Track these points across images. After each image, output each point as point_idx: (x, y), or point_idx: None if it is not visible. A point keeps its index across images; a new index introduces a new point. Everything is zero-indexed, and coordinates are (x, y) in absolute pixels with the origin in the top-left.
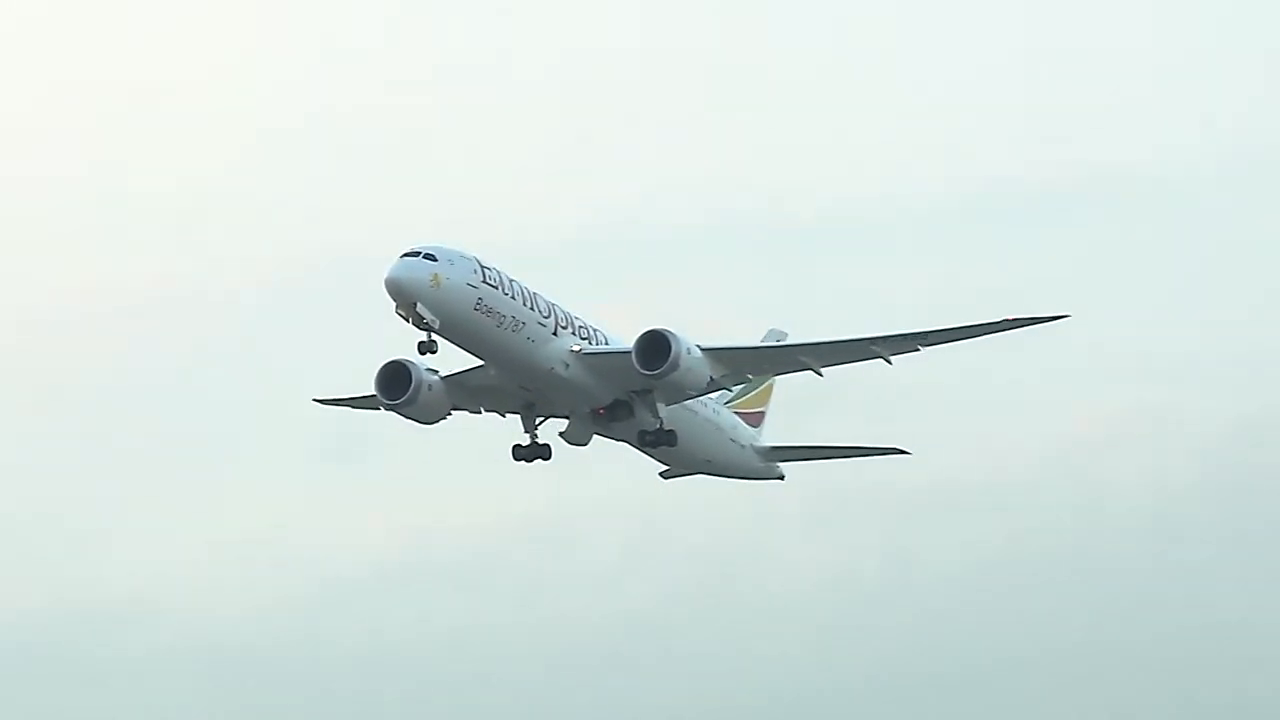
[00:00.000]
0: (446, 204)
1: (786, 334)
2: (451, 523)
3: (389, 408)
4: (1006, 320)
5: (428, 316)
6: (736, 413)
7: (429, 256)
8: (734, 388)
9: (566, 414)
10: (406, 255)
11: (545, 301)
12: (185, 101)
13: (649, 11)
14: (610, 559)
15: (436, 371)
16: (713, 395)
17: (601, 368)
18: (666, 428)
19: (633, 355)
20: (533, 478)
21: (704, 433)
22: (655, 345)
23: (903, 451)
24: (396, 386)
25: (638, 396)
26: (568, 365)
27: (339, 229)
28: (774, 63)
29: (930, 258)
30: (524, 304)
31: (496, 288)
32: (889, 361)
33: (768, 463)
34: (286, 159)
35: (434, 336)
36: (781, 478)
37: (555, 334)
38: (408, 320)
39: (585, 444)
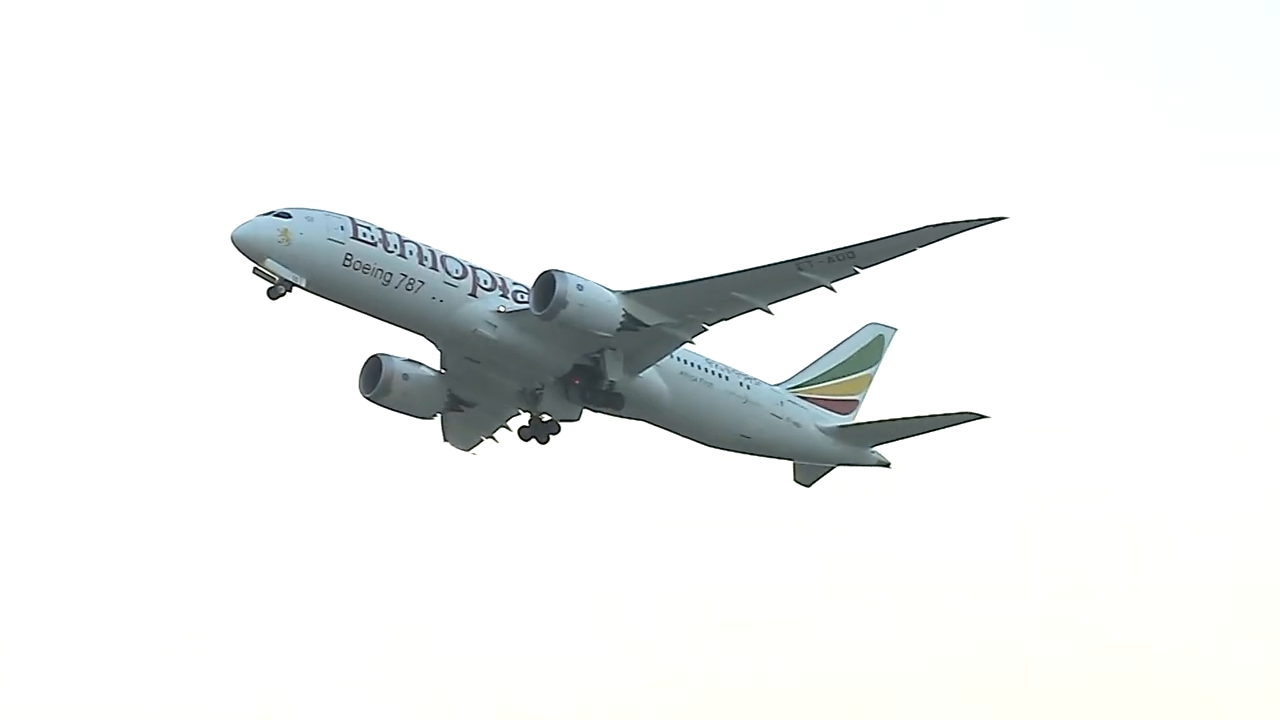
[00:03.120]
0: None
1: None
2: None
3: (368, 401)
4: (940, 225)
5: (284, 273)
6: (822, 398)
7: (283, 215)
8: (692, 338)
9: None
10: (262, 215)
11: (461, 263)
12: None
13: None
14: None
15: (420, 364)
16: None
17: (532, 326)
18: (615, 390)
19: (530, 301)
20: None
21: (728, 405)
22: (545, 286)
23: (980, 416)
24: (372, 380)
25: (602, 359)
26: (494, 326)
27: None
28: None
29: None
30: (420, 262)
31: (375, 244)
32: (832, 289)
33: (849, 446)
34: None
35: (298, 290)
36: (886, 464)
37: (474, 294)
38: (265, 279)
39: (573, 419)
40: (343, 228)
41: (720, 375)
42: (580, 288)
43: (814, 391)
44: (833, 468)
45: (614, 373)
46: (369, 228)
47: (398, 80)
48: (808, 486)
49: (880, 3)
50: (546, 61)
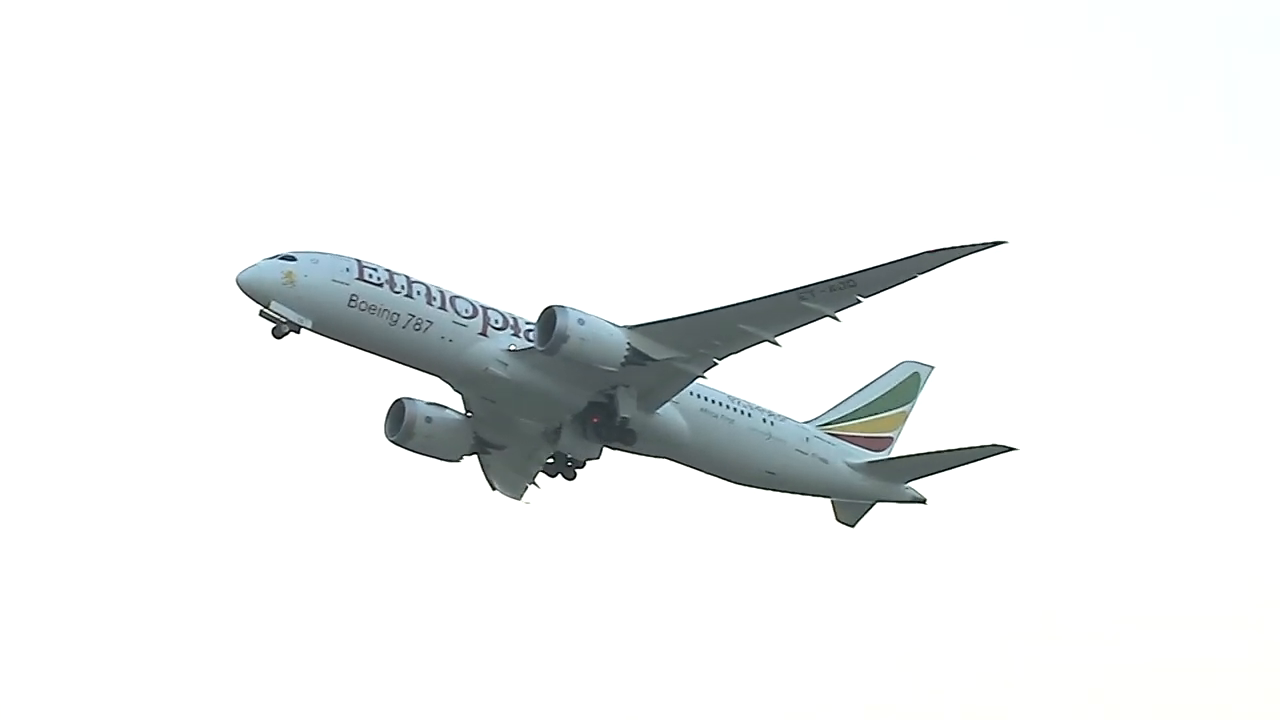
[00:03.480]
0: None
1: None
2: None
3: (393, 444)
4: (938, 250)
5: (289, 315)
6: (855, 435)
7: (288, 258)
8: (704, 373)
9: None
10: (268, 259)
11: (471, 303)
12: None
13: None
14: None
15: (445, 407)
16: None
17: (542, 364)
18: (628, 426)
19: (535, 337)
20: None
21: (750, 442)
22: (547, 321)
23: (1008, 449)
24: (396, 424)
25: (615, 396)
26: (505, 364)
27: None
28: None
29: None
30: (429, 302)
31: (381, 285)
32: (837, 319)
33: (881, 482)
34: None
35: (304, 331)
36: (922, 501)
37: (484, 333)
38: (271, 321)
39: (594, 456)
40: (348, 269)
41: (742, 412)
42: (582, 322)
43: (846, 429)
44: (872, 505)
45: (628, 409)
46: (375, 269)
47: (408, 118)
48: (852, 526)
49: (878, 24)
50: (547, 94)
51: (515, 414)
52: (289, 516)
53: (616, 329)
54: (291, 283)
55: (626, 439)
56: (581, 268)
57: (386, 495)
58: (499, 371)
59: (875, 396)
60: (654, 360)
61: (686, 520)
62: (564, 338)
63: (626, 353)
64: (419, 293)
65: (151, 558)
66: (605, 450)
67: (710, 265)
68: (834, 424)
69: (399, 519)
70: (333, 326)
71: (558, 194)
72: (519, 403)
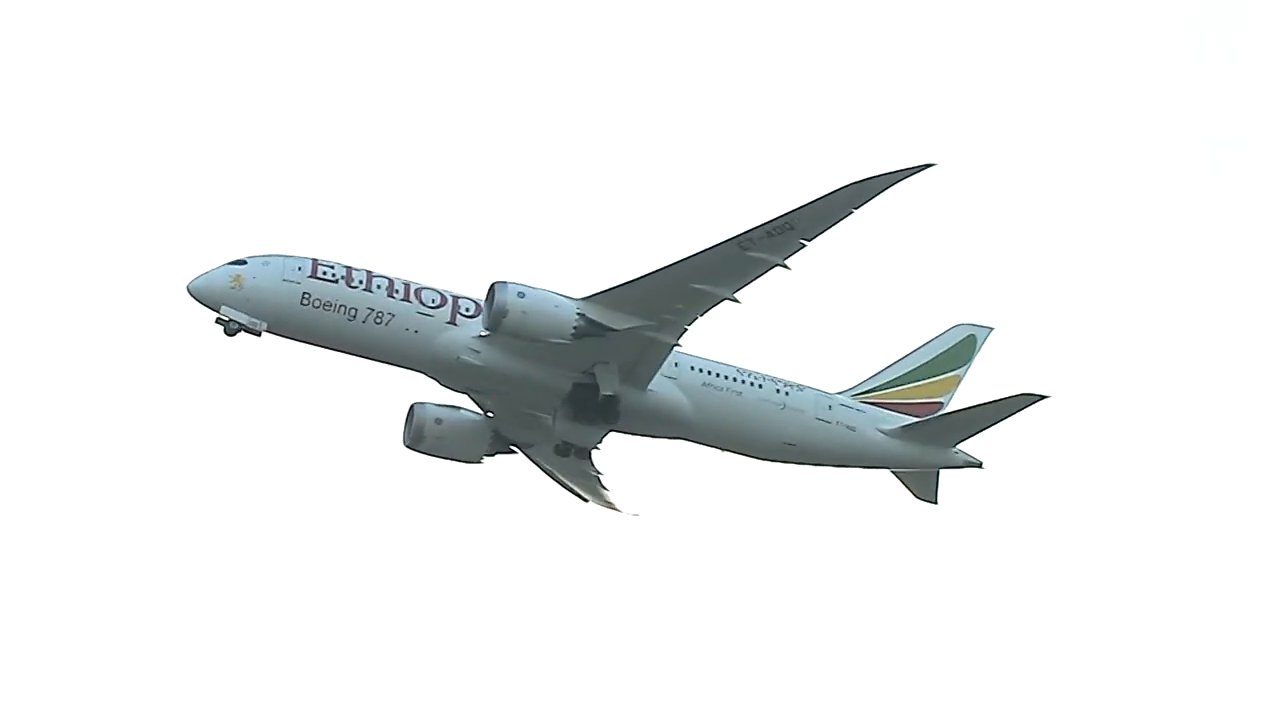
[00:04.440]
0: None
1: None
2: None
3: (410, 450)
4: (866, 180)
5: (241, 319)
6: (900, 402)
7: (239, 263)
8: (677, 340)
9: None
10: (219, 266)
11: (440, 292)
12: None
13: None
14: None
15: (458, 408)
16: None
17: (515, 348)
18: (615, 405)
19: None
20: None
21: (763, 414)
22: (489, 298)
23: (1041, 396)
24: (408, 429)
25: (595, 374)
26: (477, 351)
27: None
28: None
29: None
30: (390, 295)
31: (336, 281)
32: (786, 267)
33: (922, 446)
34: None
35: (261, 332)
36: (978, 464)
37: (454, 322)
38: (226, 327)
39: (594, 443)
40: (300, 268)
41: (752, 384)
42: (522, 295)
43: (890, 395)
44: (936, 474)
45: (609, 386)
46: (332, 266)
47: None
48: (933, 502)
49: None
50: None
51: (510, 405)
52: (311, 528)
53: (565, 300)
54: (239, 286)
55: (612, 418)
56: (577, 247)
57: (403, 501)
58: (472, 360)
59: (925, 360)
60: (615, 330)
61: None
62: (503, 312)
63: (577, 323)
64: (379, 286)
65: (174, 570)
66: (606, 436)
67: (663, 232)
68: (877, 390)
69: (420, 524)
70: (288, 326)
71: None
72: (506, 391)
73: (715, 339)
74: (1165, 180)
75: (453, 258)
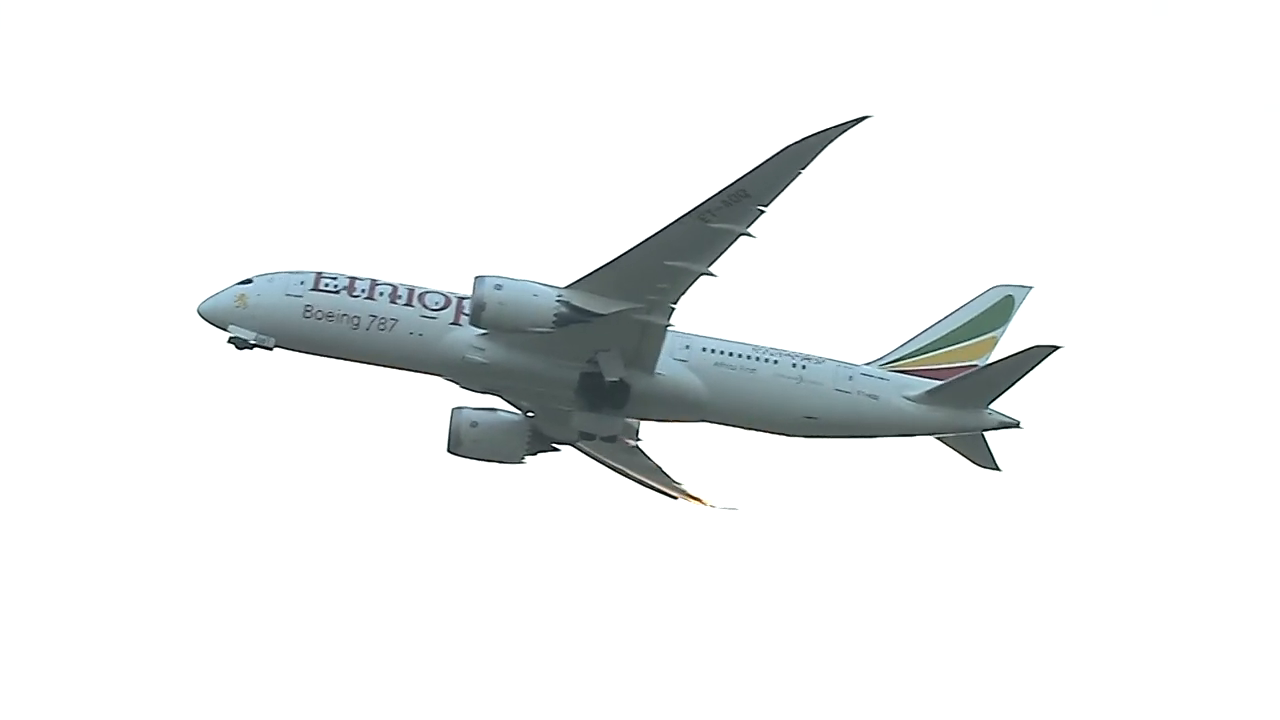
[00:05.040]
0: None
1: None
2: None
3: (452, 454)
4: (805, 139)
5: (249, 336)
6: (935, 367)
7: (246, 282)
8: (667, 320)
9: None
10: (228, 287)
11: (444, 294)
12: None
13: None
14: None
15: (494, 410)
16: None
17: (515, 341)
18: (623, 391)
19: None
20: None
21: (780, 389)
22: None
23: (1054, 348)
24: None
25: (599, 361)
26: (481, 349)
27: None
28: None
29: None
30: (393, 301)
31: (339, 292)
32: (750, 235)
33: (952, 410)
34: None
35: (272, 347)
36: (1016, 424)
37: (457, 323)
38: (236, 345)
39: (616, 433)
40: (302, 282)
41: (767, 360)
42: (499, 287)
43: (927, 361)
44: (982, 437)
45: (614, 372)
46: (335, 278)
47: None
48: (994, 468)
49: None
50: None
51: (536, 400)
52: (365, 537)
53: (546, 288)
54: (244, 305)
55: (622, 403)
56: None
57: (449, 504)
58: (477, 358)
59: (962, 323)
60: (601, 315)
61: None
62: (481, 304)
63: (558, 310)
64: (382, 293)
65: (233, 583)
66: (625, 423)
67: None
68: (913, 356)
69: (465, 527)
70: (295, 339)
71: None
72: (518, 387)
73: (746, 316)
74: (1205, 127)
75: (467, 259)
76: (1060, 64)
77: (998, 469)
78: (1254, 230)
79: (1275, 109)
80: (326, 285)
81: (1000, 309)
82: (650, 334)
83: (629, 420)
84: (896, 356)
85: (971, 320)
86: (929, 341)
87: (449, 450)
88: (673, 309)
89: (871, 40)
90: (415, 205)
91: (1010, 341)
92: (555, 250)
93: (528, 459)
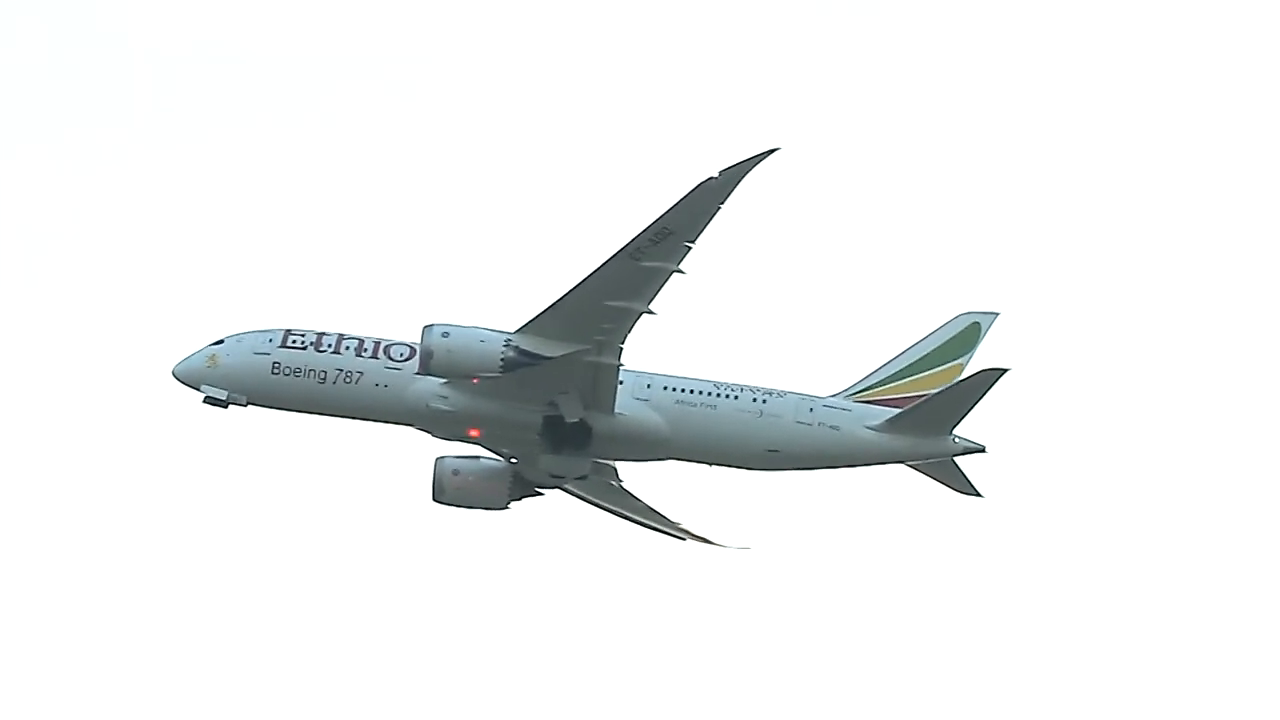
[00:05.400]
0: None
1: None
2: None
3: (438, 503)
4: (718, 175)
5: (222, 395)
6: (900, 396)
7: (219, 343)
8: (617, 360)
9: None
10: (201, 349)
11: (410, 345)
12: None
13: None
14: None
15: (478, 457)
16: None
17: (479, 389)
18: (584, 432)
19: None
20: None
21: (741, 423)
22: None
23: (1002, 371)
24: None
25: (558, 404)
26: (445, 397)
27: None
28: None
29: None
30: (359, 354)
31: (305, 348)
32: (682, 271)
33: (914, 438)
34: None
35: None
36: (981, 449)
37: (421, 373)
38: (211, 404)
39: (580, 473)
40: (270, 340)
41: (728, 395)
42: (446, 335)
43: (893, 390)
44: (953, 463)
45: (573, 413)
46: (303, 334)
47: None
48: (974, 494)
49: None
50: None
51: (493, 445)
52: (357, 587)
53: (494, 334)
54: (215, 365)
55: (584, 444)
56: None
57: (434, 552)
58: (442, 406)
59: (928, 351)
60: (550, 359)
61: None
62: (429, 353)
63: (504, 354)
64: (348, 347)
65: (239, 635)
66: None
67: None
68: (880, 386)
69: (451, 574)
70: (264, 396)
71: None
72: (499, 433)
73: (716, 352)
74: (1168, 151)
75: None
76: (1022, 86)
77: (978, 494)
78: (1218, 249)
79: (1233, 135)
80: (293, 342)
81: (966, 336)
82: (603, 374)
83: (599, 461)
84: (864, 386)
85: (938, 348)
86: (895, 370)
87: (434, 499)
88: (621, 349)
89: (827, 62)
90: (384, 254)
91: (976, 368)
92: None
93: (512, 504)
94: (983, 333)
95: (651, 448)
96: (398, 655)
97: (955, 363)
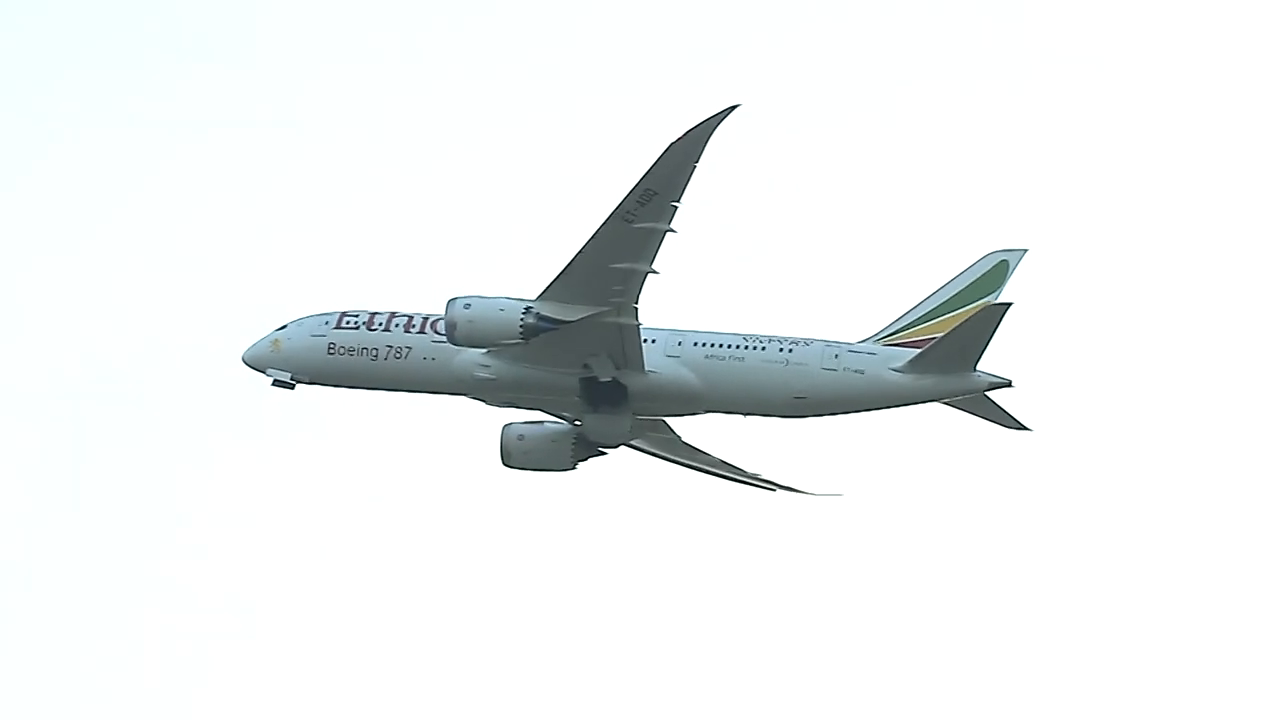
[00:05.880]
0: None
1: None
2: None
3: (508, 468)
4: (684, 136)
5: (285, 377)
6: (929, 337)
7: (282, 328)
8: (635, 319)
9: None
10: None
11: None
12: None
13: None
14: None
15: (541, 422)
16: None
17: (517, 355)
18: (619, 391)
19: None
20: None
21: (768, 373)
22: None
23: (1006, 305)
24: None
25: (591, 365)
26: (487, 366)
27: None
28: None
29: None
30: (407, 330)
31: (358, 328)
32: (674, 230)
33: (939, 376)
34: None
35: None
36: (1008, 383)
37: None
38: (279, 385)
39: (622, 432)
40: (326, 322)
41: (756, 347)
42: (467, 306)
43: (923, 331)
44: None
45: (605, 373)
46: (357, 315)
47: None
48: (1023, 427)
49: None
50: None
51: (541, 408)
52: (444, 549)
53: (513, 302)
54: (278, 349)
55: (621, 401)
56: None
57: (503, 513)
58: (486, 375)
59: (957, 291)
60: (570, 322)
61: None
62: (453, 324)
63: (525, 320)
64: (398, 325)
65: (335, 596)
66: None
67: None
68: (910, 327)
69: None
70: (323, 375)
71: None
72: (532, 399)
73: (755, 305)
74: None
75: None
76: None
77: (1026, 428)
78: (1244, 179)
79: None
80: (347, 323)
81: (995, 274)
82: (626, 334)
83: (644, 418)
84: (896, 329)
85: (967, 287)
86: (926, 311)
87: (503, 464)
88: (635, 308)
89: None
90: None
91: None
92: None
93: (579, 465)
94: (1011, 269)
95: (687, 402)
96: (498, 616)
97: (984, 300)
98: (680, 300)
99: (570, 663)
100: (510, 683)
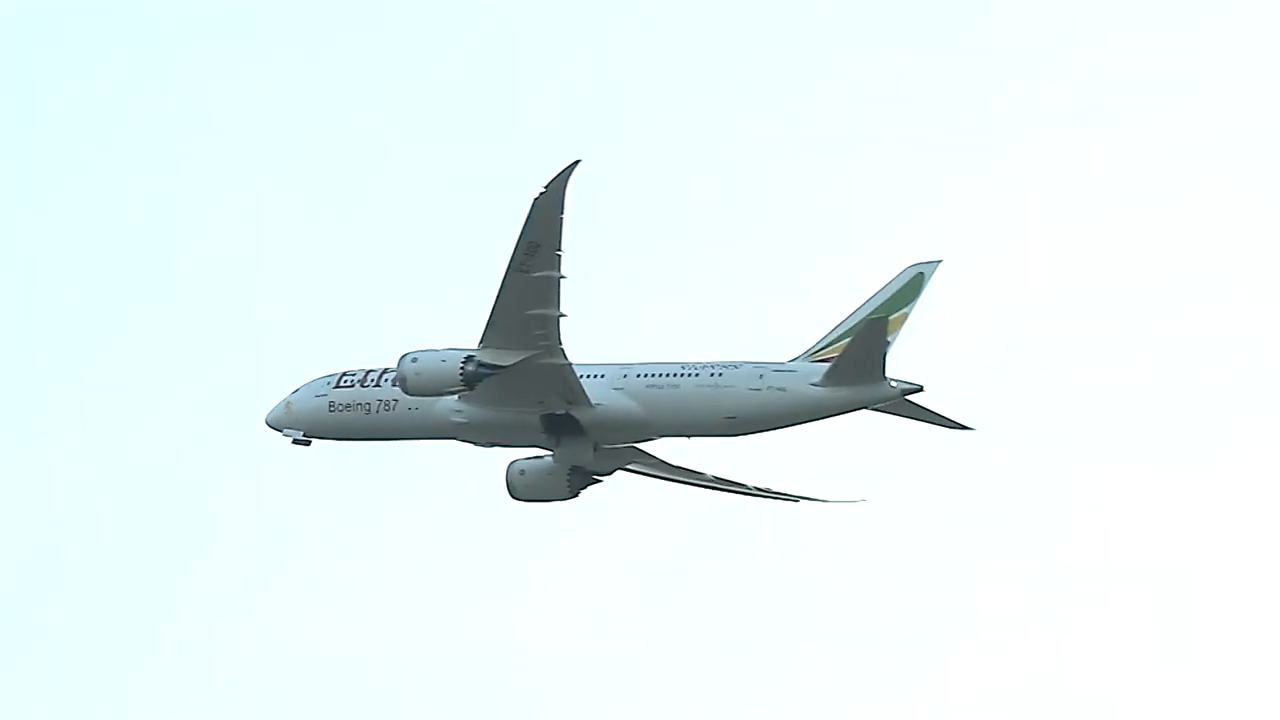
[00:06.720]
0: None
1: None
2: None
3: (516, 501)
4: (546, 188)
5: (298, 435)
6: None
7: (296, 391)
8: (564, 359)
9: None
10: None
11: None
12: None
13: None
14: None
15: (540, 457)
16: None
17: (479, 397)
18: (574, 423)
19: None
20: None
21: (701, 397)
22: None
23: (883, 319)
24: None
25: (545, 402)
26: (460, 411)
27: None
28: None
29: None
30: (393, 384)
31: (353, 385)
32: (565, 276)
33: (855, 387)
34: None
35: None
36: (919, 388)
37: (443, 394)
38: (296, 443)
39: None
40: (328, 382)
41: (690, 374)
42: (414, 360)
43: (841, 347)
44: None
45: (558, 408)
46: (354, 374)
47: None
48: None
49: None
50: None
51: (518, 445)
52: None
53: (455, 351)
54: (290, 410)
55: (578, 433)
56: None
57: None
58: (461, 419)
59: (878, 303)
60: (506, 367)
61: None
62: (403, 379)
63: (465, 369)
64: (386, 379)
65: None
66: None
67: None
68: (833, 344)
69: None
70: (328, 430)
71: None
72: (507, 438)
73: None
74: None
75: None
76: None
77: (967, 427)
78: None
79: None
80: (345, 382)
81: (911, 286)
82: (563, 373)
83: (609, 446)
84: (822, 345)
85: (886, 300)
86: (850, 326)
87: (511, 497)
88: (561, 349)
89: None
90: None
91: (920, 316)
92: None
93: (580, 493)
94: (926, 281)
95: (635, 430)
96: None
97: (902, 312)
98: (638, 335)
99: (581, 667)
100: (537, 694)
